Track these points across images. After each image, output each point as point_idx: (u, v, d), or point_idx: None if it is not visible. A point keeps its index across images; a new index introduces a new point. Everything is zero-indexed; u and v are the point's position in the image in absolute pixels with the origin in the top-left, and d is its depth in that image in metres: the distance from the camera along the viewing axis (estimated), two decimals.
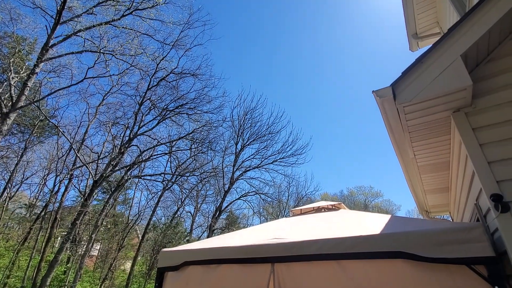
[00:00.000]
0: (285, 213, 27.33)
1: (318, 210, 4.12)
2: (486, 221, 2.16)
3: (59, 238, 20.02)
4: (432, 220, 2.51)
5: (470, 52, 2.03)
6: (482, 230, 1.82)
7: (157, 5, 13.09)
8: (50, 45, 11.13)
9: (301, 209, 4.39)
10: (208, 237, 17.61)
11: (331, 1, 47.55)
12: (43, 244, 16.18)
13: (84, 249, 17.38)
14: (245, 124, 18.37)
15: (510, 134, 1.88)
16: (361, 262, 2.08)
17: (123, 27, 12.90)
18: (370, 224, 2.54)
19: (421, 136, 2.57)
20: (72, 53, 12.35)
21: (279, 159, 18.34)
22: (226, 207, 19.30)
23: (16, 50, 12.81)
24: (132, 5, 12.70)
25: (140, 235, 23.20)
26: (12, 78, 11.18)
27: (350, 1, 45.44)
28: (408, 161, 3.13)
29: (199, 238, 26.67)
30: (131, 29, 13.20)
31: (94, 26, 12.11)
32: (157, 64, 14.98)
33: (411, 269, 1.93)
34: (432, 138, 2.60)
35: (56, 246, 18.67)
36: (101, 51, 12.55)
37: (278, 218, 27.21)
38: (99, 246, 22.59)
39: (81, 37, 12.08)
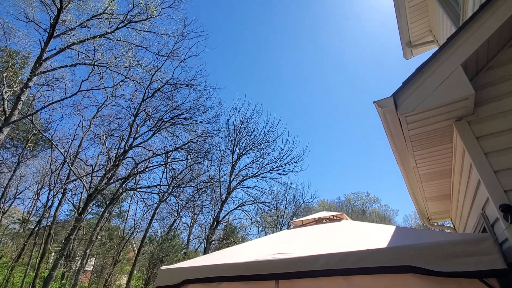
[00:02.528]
0: (283, 222, 27.10)
1: (319, 221, 4.05)
2: (495, 231, 2.12)
3: (53, 253, 19.49)
4: (439, 232, 2.46)
5: (469, 60, 2.03)
6: (492, 241, 1.77)
7: (151, 17, 13.18)
8: (43, 58, 11.08)
9: (302, 221, 4.32)
10: (205, 248, 17.29)
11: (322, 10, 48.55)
12: (37, 260, 15.72)
13: (78, 265, 16.91)
14: (241, 133, 18.36)
15: None
16: (369, 277, 2.01)
17: (117, 40, 12.94)
18: (375, 236, 2.48)
19: (423, 145, 2.55)
20: (66, 66, 12.31)
21: (276, 167, 18.28)
22: (224, 217, 19.05)
23: (9, 64, 12.71)
24: (126, 17, 12.77)
25: (136, 249, 22.72)
26: (5, 92, 11.05)
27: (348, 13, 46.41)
28: (410, 169, 3.10)
29: (196, 250, 26.23)
30: (125, 41, 13.24)
31: (88, 39, 12.12)
32: (152, 76, 14.99)
33: (421, 283, 1.86)
34: (434, 146, 2.58)
35: (51, 262, 18.14)
36: (95, 63, 12.52)
37: (276, 227, 26.97)
38: (93, 261, 22.02)
39: (75, 50, 12.07)
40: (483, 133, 1.98)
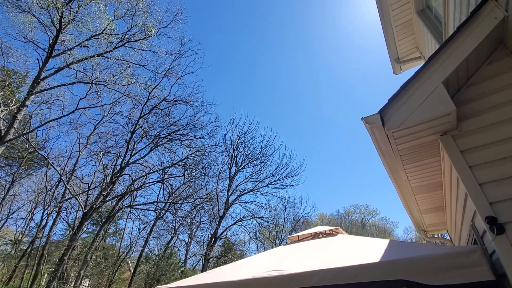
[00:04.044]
0: (282, 237, 26.72)
1: (316, 236, 4.05)
2: (484, 243, 2.15)
3: (46, 275, 18.92)
4: (431, 244, 2.49)
5: (451, 78, 2.14)
6: (480, 253, 1.81)
7: (149, 37, 13.52)
8: (41, 77, 11.22)
9: (298, 236, 4.31)
10: (203, 266, 16.92)
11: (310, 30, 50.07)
12: (29, 282, 15.24)
13: (72, 286, 16.40)
14: (238, 148, 18.40)
15: (497, 156, 1.93)
16: None
17: (115, 59, 13.19)
18: (369, 250, 2.50)
19: (412, 159, 2.62)
20: (64, 85, 12.46)
21: (274, 181, 18.21)
22: (222, 233, 18.77)
23: (6, 83, 12.82)
24: (124, 37, 13.09)
25: (131, 268, 22.14)
26: (2, 111, 11.10)
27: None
28: (402, 183, 3.16)
29: (194, 268, 25.60)
30: (123, 60, 13.50)
31: (86, 58, 12.34)
32: (149, 93, 15.18)
33: None
34: (423, 160, 2.65)
35: (43, 284, 17.58)
36: (93, 82, 12.69)
37: (275, 242, 26.55)
38: (88, 282, 21.35)
39: (73, 69, 12.25)
40: (467, 146, 2.06)
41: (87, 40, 12.55)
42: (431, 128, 2.15)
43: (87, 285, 21.43)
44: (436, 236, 6.25)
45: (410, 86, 2.16)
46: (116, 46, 13.11)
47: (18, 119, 10.69)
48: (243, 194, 18.20)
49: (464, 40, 2.13)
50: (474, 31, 2.14)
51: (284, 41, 50.73)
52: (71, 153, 18.22)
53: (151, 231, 19.29)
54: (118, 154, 15.74)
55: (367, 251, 2.52)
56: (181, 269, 22.34)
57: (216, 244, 19.05)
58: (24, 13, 11.56)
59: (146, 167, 15.77)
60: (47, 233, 16.85)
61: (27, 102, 10.96)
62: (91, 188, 15.19)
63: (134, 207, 15.97)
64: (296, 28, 50.93)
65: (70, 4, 11.71)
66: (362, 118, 2.23)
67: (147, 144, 15.81)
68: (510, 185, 1.83)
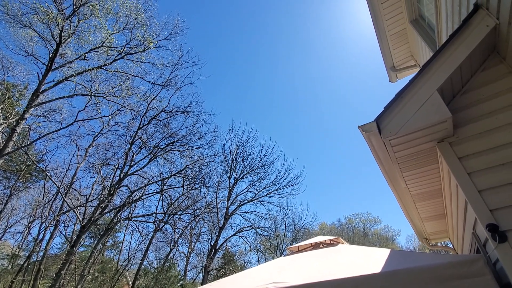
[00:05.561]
0: (283, 247, 26.34)
1: (316, 246, 3.99)
2: (486, 251, 2.11)
3: None
4: (432, 254, 2.45)
5: (445, 85, 2.15)
6: (483, 263, 1.77)
7: (148, 49, 13.68)
8: (41, 90, 11.28)
9: (298, 246, 4.24)
10: (203, 279, 16.60)
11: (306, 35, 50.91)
12: None
13: None
14: (237, 158, 18.34)
15: (495, 162, 1.92)
16: None
17: (114, 71, 13.30)
18: (370, 260, 2.45)
19: (410, 166, 2.60)
20: (63, 97, 12.51)
21: (273, 191, 18.07)
22: (222, 244, 18.48)
23: (6, 97, 12.87)
24: (123, 50, 13.23)
25: (130, 282, 21.71)
26: (1, 124, 11.10)
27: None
28: (401, 190, 3.13)
29: (193, 281, 25.10)
30: (122, 72, 13.61)
31: (86, 71, 12.45)
32: (148, 104, 15.23)
33: None
34: (422, 167, 2.63)
35: None
36: (92, 94, 12.75)
37: (276, 253, 26.14)
38: None
39: (73, 81, 12.32)
40: (465, 153, 2.05)
41: (86, 53, 12.69)
42: (428, 135, 2.14)
43: None
44: (439, 244, 6.16)
45: (405, 94, 2.16)
46: (115, 58, 13.24)
47: (17, 132, 10.68)
48: (243, 204, 18.04)
49: (457, 48, 2.16)
50: (466, 40, 2.16)
51: (282, 43, 51.72)
52: (69, 165, 18.13)
53: (150, 243, 19.02)
54: (117, 166, 15.67)
55: (368, 261, 2.47)
56: (180, 282, 21.90)
57: (216, 256, 18.75)
58: (25, 28, 11.72)
59: (145, 178, 15.66)
60: (44, 247, 16.59)
61: (26, 115, 10.98)
62: (89, 200, 15.04)
63: (133, 219, 15.77)
64: (294, 32, 51.99)
65: (70, 18, 11.89)
66: (358, 126, 2.23)
67: (145, 155, 15.74)
68: (510, 192, 1.81)
